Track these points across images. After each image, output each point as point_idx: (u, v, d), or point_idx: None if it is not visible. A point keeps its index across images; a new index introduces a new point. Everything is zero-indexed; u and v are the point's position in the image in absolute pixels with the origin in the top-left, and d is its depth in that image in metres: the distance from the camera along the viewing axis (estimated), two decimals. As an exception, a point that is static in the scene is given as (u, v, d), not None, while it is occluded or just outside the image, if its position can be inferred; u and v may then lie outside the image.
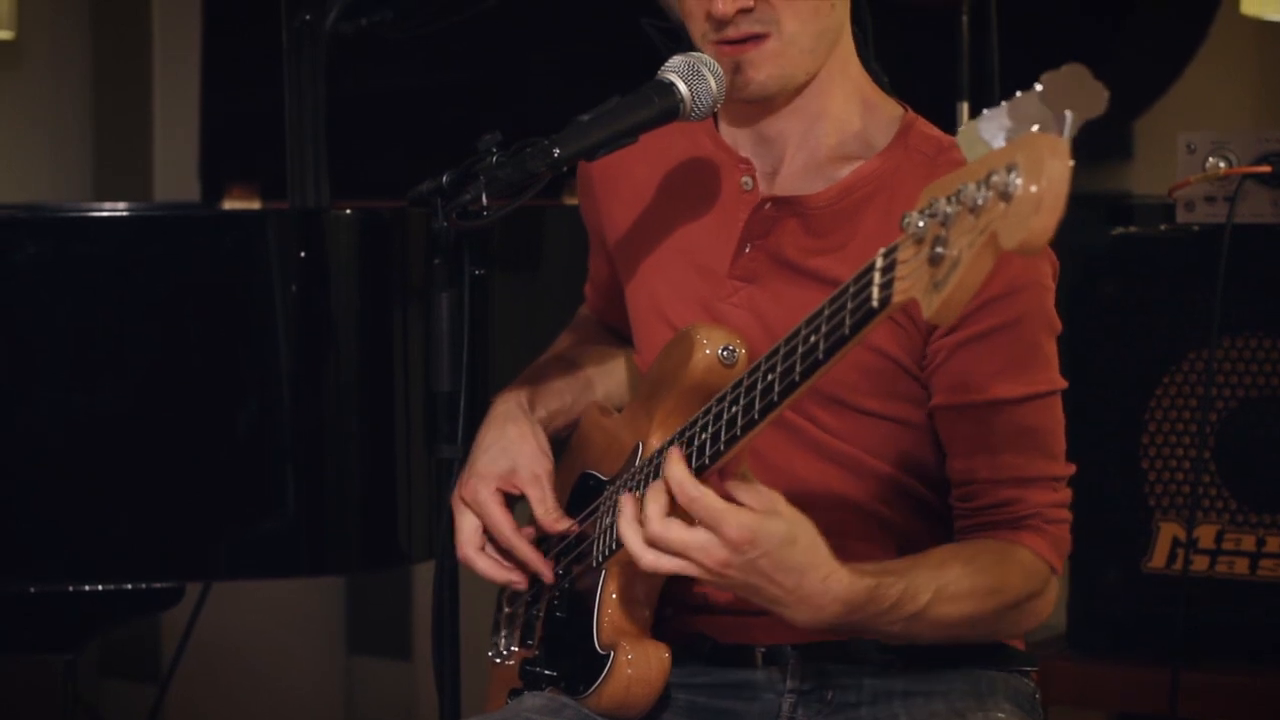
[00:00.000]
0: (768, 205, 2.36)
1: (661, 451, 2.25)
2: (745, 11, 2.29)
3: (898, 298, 1.89)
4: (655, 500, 2.12)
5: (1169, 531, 3.44)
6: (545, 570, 2.42)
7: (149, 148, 5.31)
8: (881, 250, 1.92)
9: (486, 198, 2.26)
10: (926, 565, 2.22)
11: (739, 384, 2.13)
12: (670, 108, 2.29)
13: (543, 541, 2.45)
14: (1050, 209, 1.73)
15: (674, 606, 2.38)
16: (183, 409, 3.08)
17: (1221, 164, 3.38)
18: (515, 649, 2.54)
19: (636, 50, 3.18)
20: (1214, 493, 3.41)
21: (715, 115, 2.41)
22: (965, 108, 3.72)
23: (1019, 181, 1.74)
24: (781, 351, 2.06)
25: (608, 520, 2.33)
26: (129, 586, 3.10)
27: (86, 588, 3.08)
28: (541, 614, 2.48)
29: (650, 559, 2.13)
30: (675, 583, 2.29)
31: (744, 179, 2.40)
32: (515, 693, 2.48)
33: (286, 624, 5.18)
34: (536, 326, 3.14)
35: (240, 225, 3.31)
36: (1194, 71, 4.55)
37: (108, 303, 3.07)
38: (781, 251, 2.35)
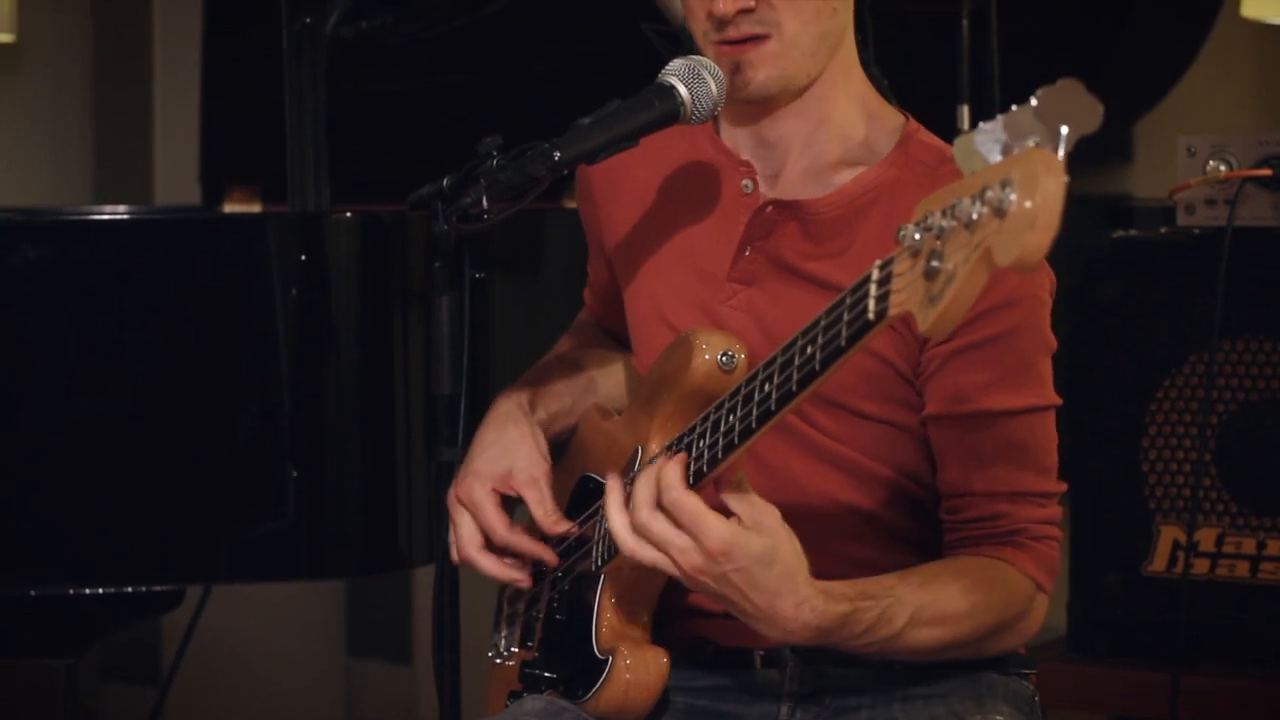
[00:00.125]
0: (769, 208, 2.36)
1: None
2: (746, 12, 2.29)
3: (893, 310, 1.89)
4: (645, 488, 2.13)
5: (1169, 535, 3.44)
6: (547, 555, 2.42)
7: (149, 151, 5.31)
8: (877, 262, 1.92)
9: (487, 201, 2.26)
10: (906, 588, 2.22)
11: (736, 392, 2.13)
12: (670, 111, 2.29)
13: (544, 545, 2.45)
14: (1045, 226, 1.72)
15: (673, 610, 2.38)
16: (183, 412, 3.08)
17: (1222, 167, 3.38)
18: (515, 650, 2.54)
19: (636, 53, 3.19)
20: (1214, 496, 3.41)
21: (716, 118, 2.41)
22: (965, 111, 3.72)
23: (1013, 198, 1.73)
24: (779, 361, 2.06)
25: (607, 524, 2.32)
26: (129, 590, 3.10)
27: (87, 591, 3.08)
28: (541, 616, 2.48)
29: (631, 545, 2.14)
30: (675, 587, 2.29)
31: (745, 182, 2.40)
32: (515, 695, 2.48)
33: (287, 627, 5.18)
34: (537, 330, 3.14)
35: (240, 229, 3.31)
36: (1194, 74, 4.55)
37: (108, 306, 3.07)
38: (781, 255, 2.35)
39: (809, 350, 2.01)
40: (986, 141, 1.80)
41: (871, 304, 1.91)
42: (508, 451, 2.45)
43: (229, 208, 4.33)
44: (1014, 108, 1.78)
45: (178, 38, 5.05)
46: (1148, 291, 3.47)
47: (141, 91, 5.30)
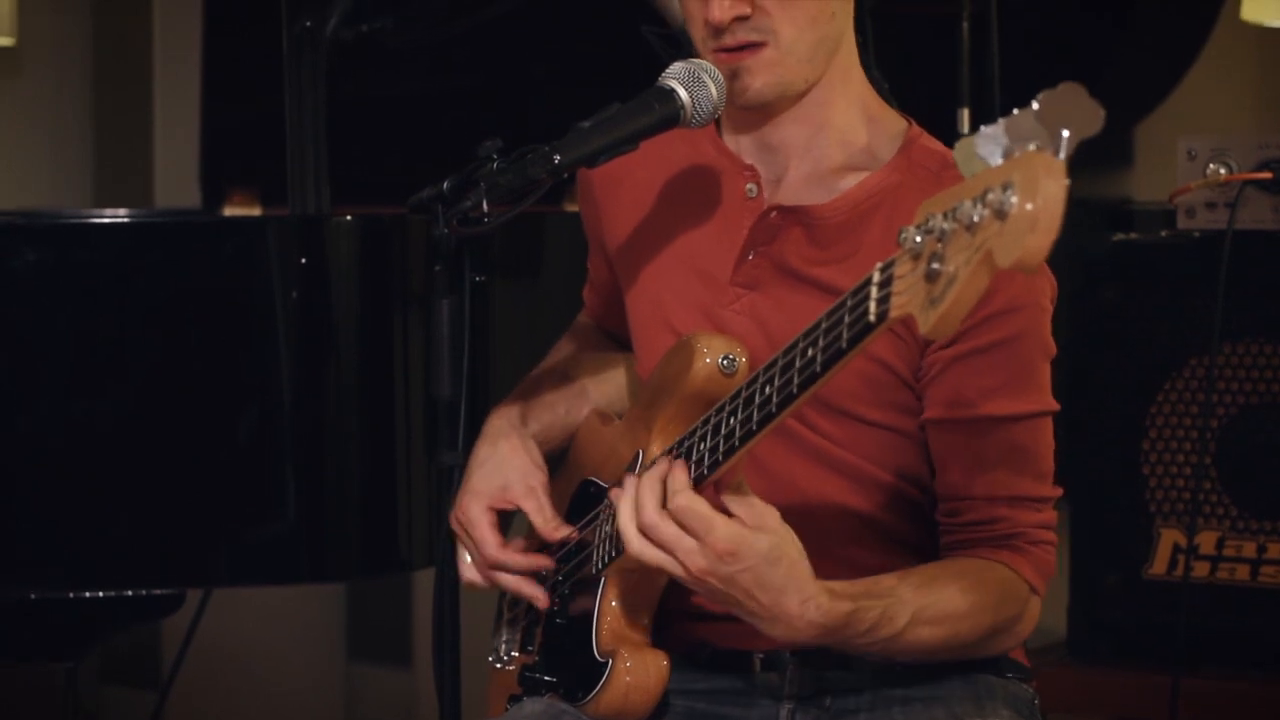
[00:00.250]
0: (773, 213, 2.36)
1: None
2: (741, 19, 2.29)
3: (894, 312, 1.89)
4: (650, 491, 2.13)
5: (1170, 538, 3.44)
6: (541, 565, 2.42)
7: (149, 154, 5.31)
8: (879, 265, 1.92)
9: (487, 204, 2.26)
10: (906, 588, 2.22)
11: (737, 394, 2.13)
12: (671, 114, 2.29)
13: (543, 550, 2.45)
14: (1045, 229, 1.73)
15: (672, 614, 2.38)
16: (183, 416, 3.08)
17: (1222, 170, 3.39)
18: (515, 654, 2.54)
19: (636, 56, 3.19)
20: (1215, 499, 3.41)
21: (718, 122, 2.41)
22: (966, 114, 3.72)
23: (1014, 200, 1.74)
24: (780, 363, 2.06)
25: (608, 528, 2.33)
26: (130, 593, 3.10)
27: (87, 595, 3.08)
28: (541, 620, 2.48)
29: (638, 545, 2.14)
30: (675, 590, 2.29)
31: (748, 186, 2.40)
32: (514, 698, 2.48)
33: (287, 631, 5.18)
34: (537, 333, 3.14)
35: (241, 231, 3.31)
36: (1195, 77, 4.55)
37: (108, 309, 3.07)
38: (785, 259, 2.35)
39: (810, 352, 2.01)
40: (987, 145, 1.80)
41: (872, 306, 1.92)
42: (501, 466, 2.46)
43: (229, 210, 4.34)
44: (1015, 111, 1.78)
45: (178, 40, 5.05)
46: (1148, 295, 3.48)
47: (141, 94, 5.30)
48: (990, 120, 1.81)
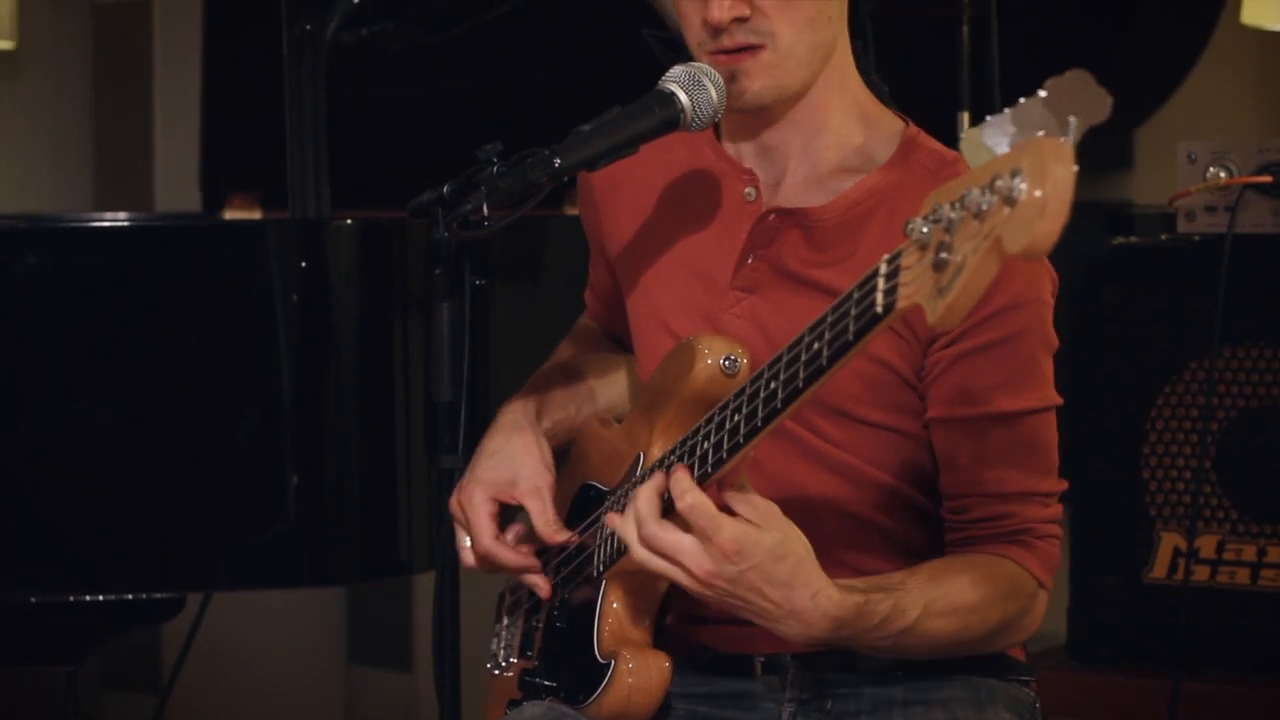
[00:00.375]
0: (771, 216, 2.36)
1: (663, 461, 2.25)
2: (740, 21, 2.29)
3: (902, 303, 1.89)
4: (648, 501, 2.14)
5: (1170, 541, 3.44)
6: (530, 565, 2.42)
7: (149, 157, 5.31)
8: (885, 256, 1.92)
9: (487, 208, 2.26)
10: (916, 581, 2.23)
11: (741, 392, 2.13)
12: (671, 118, 2.29)
13: (542, 553, 2.45)
14: (1055, 213, 1.73)
15: (674, 616, 2.38)
16: (183, 419, 3.08)
17: (1222, 174, 3.39)
18: (514, 660, 2.53)
19: (637, 59, 3.19)
20: (1215, 503, 3.41)
21: (717, 126, 2.41)
22: (966, 118, 3.72)
23: (1023, 186, 1.74)
24: (785, 359, 2.06)
25: (608, 531, 2.33)
26: (130, 597, 3.10)
27: (87, 598, 3.08)
28: (541, 624, 2.48)
29: (642, 554, 2.15)
30: (676, 593, 2.29)
31: (747, 190, 2.40)
32: (514, 703, 2.48)
33: (287, 634, 5.18)
34: (537, 337, 3.13)
35: (241, 235, 3.32)
36: (1195, 81, 4.56)
37: (108, 313, 3.07)
38: (784, 262, 2.35)
39: (816, 346, 2.01)
40: (994, 134, 1.80)
41: (879, 297, 1.91)
42: (512, 461, 2.45)
43: (229, 214, 4.33)
44: (1022, 100, 1.78)
45: (178, 43, 5.05)
46: (1148, 298, 3.48)
47: (141, 97, 5.30)
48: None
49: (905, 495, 2.36)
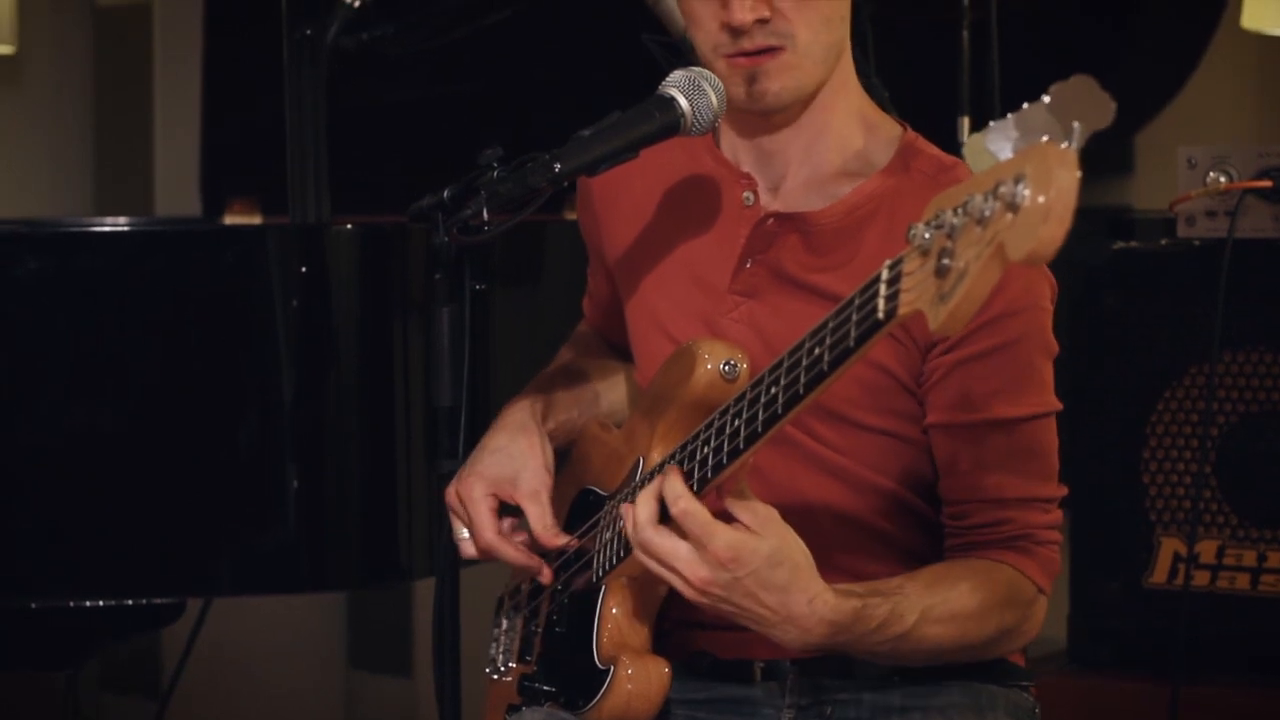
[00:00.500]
0: (770, 221, 2.36)
1: (663, 466, 2.25)
2: (761, 22, 2.29)
3: (903, 309, 1.89)
4: (645, 507, 2.14)
5: (1170, 546, 3.44)
6: (533, 564, 2.42)
7: (150, 162, 5.31)
8: (887, 262, 1.91)
9: (487, 213, 2.26)
10: (914, 586, 2.22)
11: (742, 397, 2.12)
12: (671, 123, 2.29)
13: (541, 558, 2.45)
14: (1059, 219, 1.73)
15: (674, 622, 2.38)
16: (184, 424, 3.08)
17: (1222, 179, 3.39)
18: (513, 665, 2.53)
19: (637, 65, 3.19)
20: (1215, 508, 3.41)
21: (715, 131, 2.41)
22: (966, 122, 3.72)
23: (1026, 192, 1.73)
24: (785, 364, 2.05)
25: (608, 535, 2.33)
26: (130, 602, 3.10)
27: (87, 604, 3.07)
28: (540, 630, 2.48)
29: (640, 558, 2.15)
30: (675, 599, 2.29)
31: (745, 194, 2.40)
32: (513, 709, 2.48)
33: (287, 639, 5.18)
34: (537, 341, 3.14)
35: (241, 240, 3.32)
36: (1195, 86, 4.56)
37: (109, 317, 3.07)
38: (782, 267, 2.35)
39: (817, 351, 2.00)
40: (997, 140, 1.80)
41: (881, 303, 1.91)
42: (514, 460, 2.45)
43: (229, 219, 4.34)
44: (1026, 105, 1.78)
45: (178, 48, 5.06)
46: (1148, 303, 3.48)
47: (142, 102, 5.30)
48: (994, 125, 1.81)
49: (904, 500, 2.35)
